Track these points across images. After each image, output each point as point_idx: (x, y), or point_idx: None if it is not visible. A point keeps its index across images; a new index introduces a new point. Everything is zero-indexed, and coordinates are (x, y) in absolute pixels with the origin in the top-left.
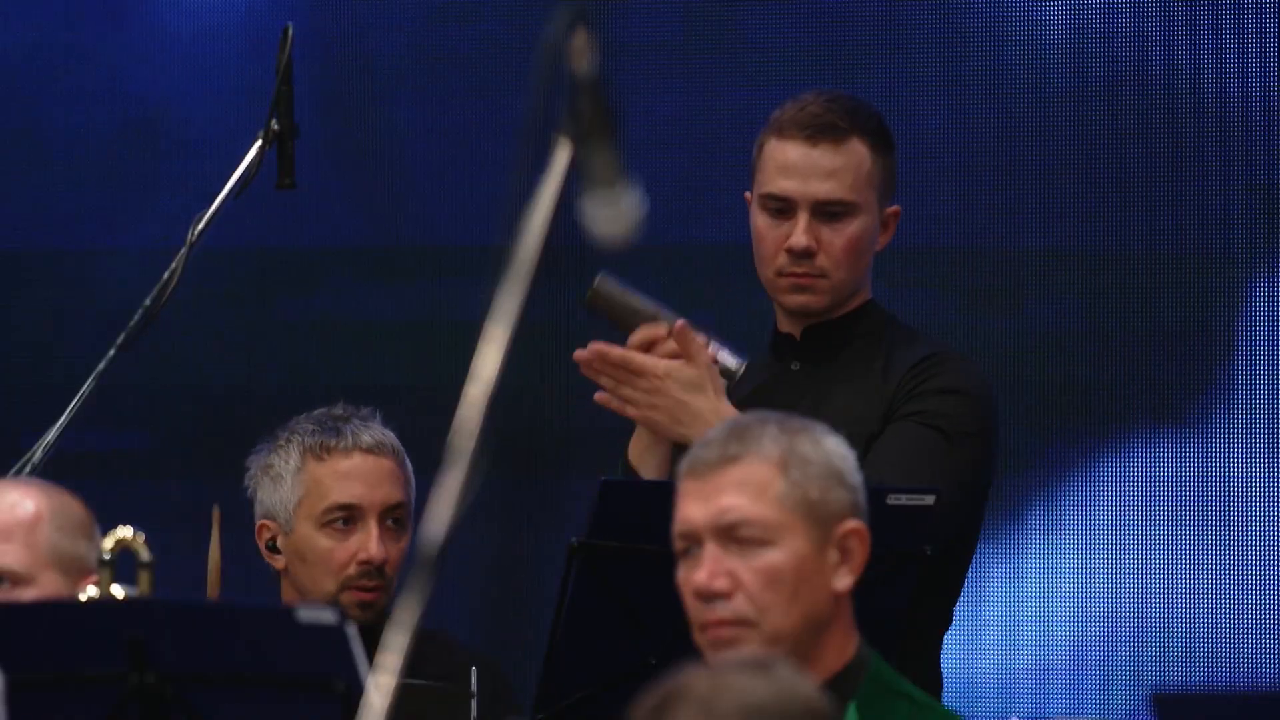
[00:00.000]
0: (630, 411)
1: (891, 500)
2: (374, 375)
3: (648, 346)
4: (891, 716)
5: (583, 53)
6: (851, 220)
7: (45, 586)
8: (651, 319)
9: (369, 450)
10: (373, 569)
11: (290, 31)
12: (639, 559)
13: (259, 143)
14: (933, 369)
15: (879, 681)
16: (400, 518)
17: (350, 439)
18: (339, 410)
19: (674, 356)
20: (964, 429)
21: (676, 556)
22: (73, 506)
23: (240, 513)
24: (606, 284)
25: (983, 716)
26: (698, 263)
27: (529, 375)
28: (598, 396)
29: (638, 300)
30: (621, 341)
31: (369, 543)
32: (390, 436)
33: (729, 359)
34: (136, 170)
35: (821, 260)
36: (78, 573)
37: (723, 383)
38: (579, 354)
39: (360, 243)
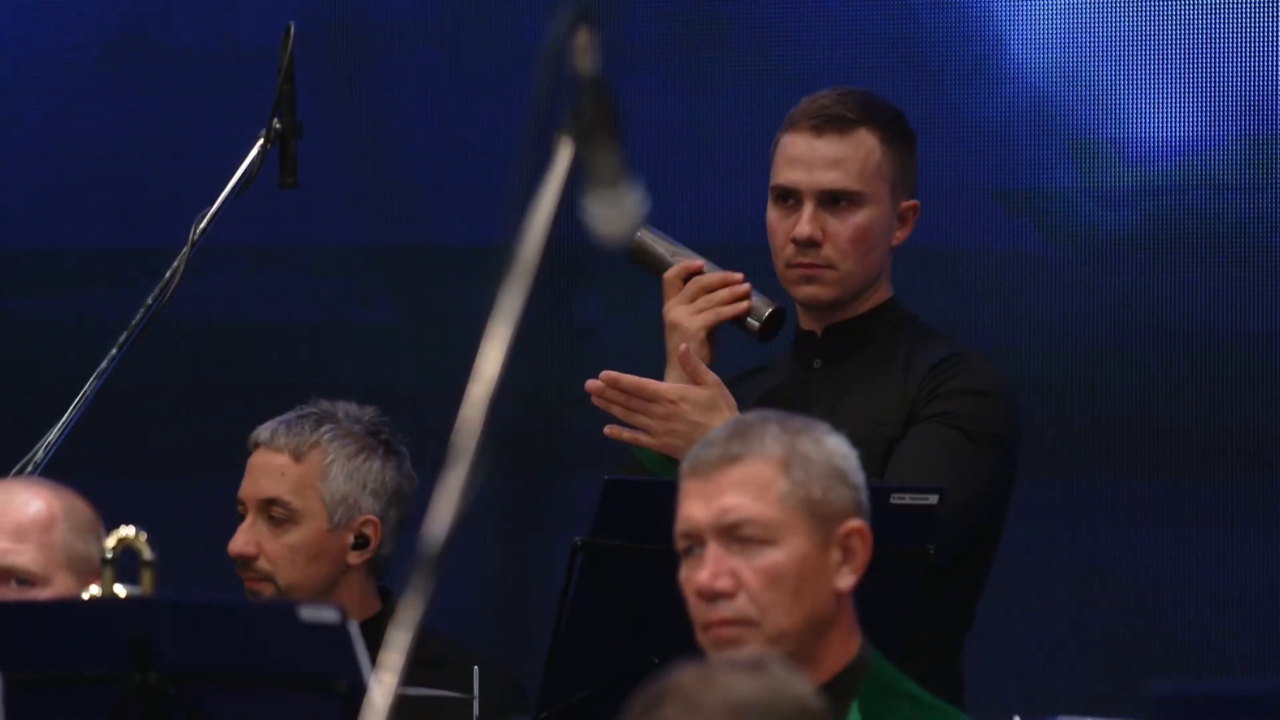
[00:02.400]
0: (644, 440)
1: (895, 500)
2: (374, 375)
3: (687, 277)
4: (893, 716)
5: (585, 52)
6: (857, 210)
7: (59, 588)
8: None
9: (263, 445)
10: (240, 561)
11: (292, 30)
12: (641, 558)
13: (261, 142)
14: (954, 369)
15: (881, 681)
16: (279, 515)
17: (260, 435)
18: (306, 404)
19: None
20: (986, 429)
21: (679, 556)
22: (82, 507)
23: (222, 510)
24: (647, 236)
25: (983, 716)
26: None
27: (531, 375)
28: (608, 430)
29: (678, 247)
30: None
31: (237, 536)
32: (309, 431)
33: (758, 299)
34: (138, 169)
35: (828, 250)
36: (87, 573)
37: (734, 400)
38: (591, 384)
39: (361, 242)
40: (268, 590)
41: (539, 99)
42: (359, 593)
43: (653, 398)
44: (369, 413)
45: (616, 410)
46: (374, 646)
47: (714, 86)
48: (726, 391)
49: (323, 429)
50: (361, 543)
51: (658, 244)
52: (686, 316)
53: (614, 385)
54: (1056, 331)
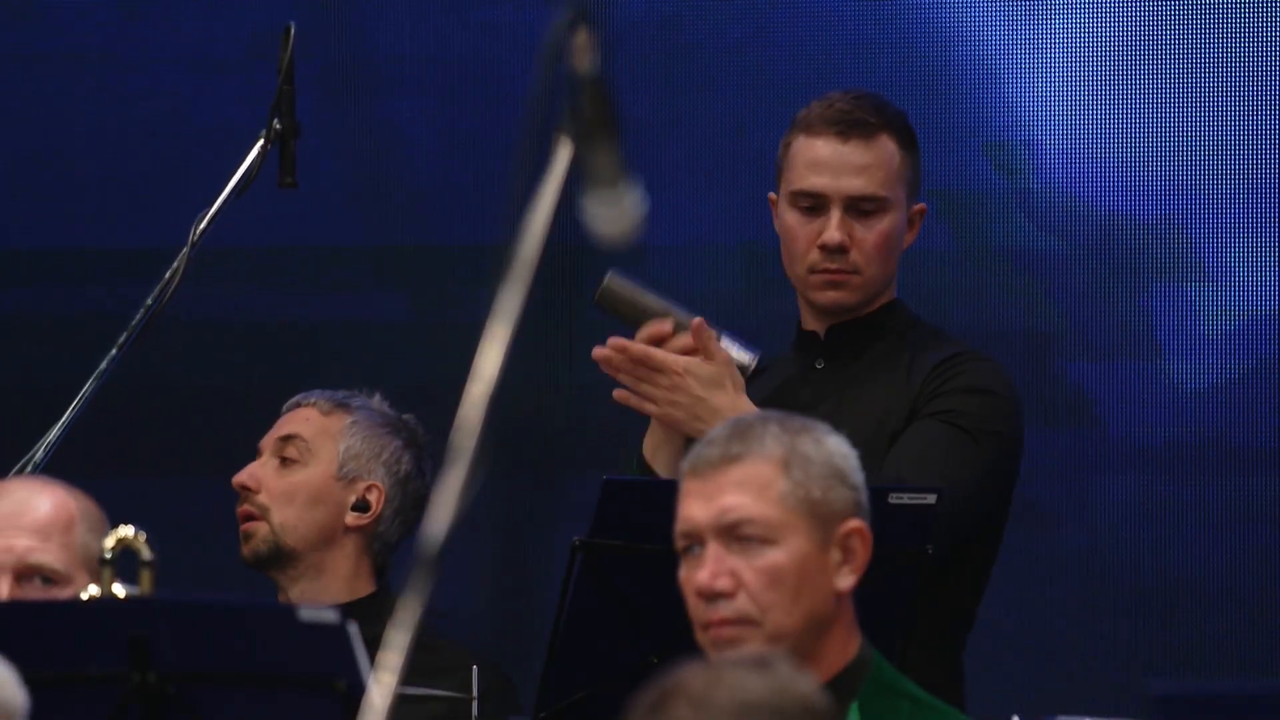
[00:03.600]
0: (649, 408)
1: (893, 499)
2: (374, 375)
3: (654, 343)
4: (893, 716)
5: (584, 51)
6: (883, 216)
7: (78, 587)
8: (662, 317)
9: (296, 404)
10: (241, 493)
11: (292, 31)
12: (640, 558)
13: (261, 142)
14: (958, 368)
15: (880, 681)
16: (291, 455)
17: (296, 397)
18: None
19: (690, 352)
20: (988, 428)
21: (678, 555)
22: (94, 507)
23: (221, 510)
24: (616, 282)
25: (983, 716)
26: (697, 263)
27: (531, 374)
28: (616, 394)
29: (648, 298)
30: (632, 338)
31: (244, 470)
32: (342, 398)
33: (740, 354)
34: (137, 169)
35: (854, 256)
36: (96, 574)
37: (741, 379)
38: (598, 351)
39: (361, 242)
40: (262, 529)
41: (539, 99)
42: (351, 563)
43: (659, 367)
44: (407, 414)
45: (623, 378)
46: (361, 628)
47: (713, 87)
48: (735, 370)
49: (355, 400)
50: (362, 506)
51: (626, 293)
52: None
53: (621, 351)
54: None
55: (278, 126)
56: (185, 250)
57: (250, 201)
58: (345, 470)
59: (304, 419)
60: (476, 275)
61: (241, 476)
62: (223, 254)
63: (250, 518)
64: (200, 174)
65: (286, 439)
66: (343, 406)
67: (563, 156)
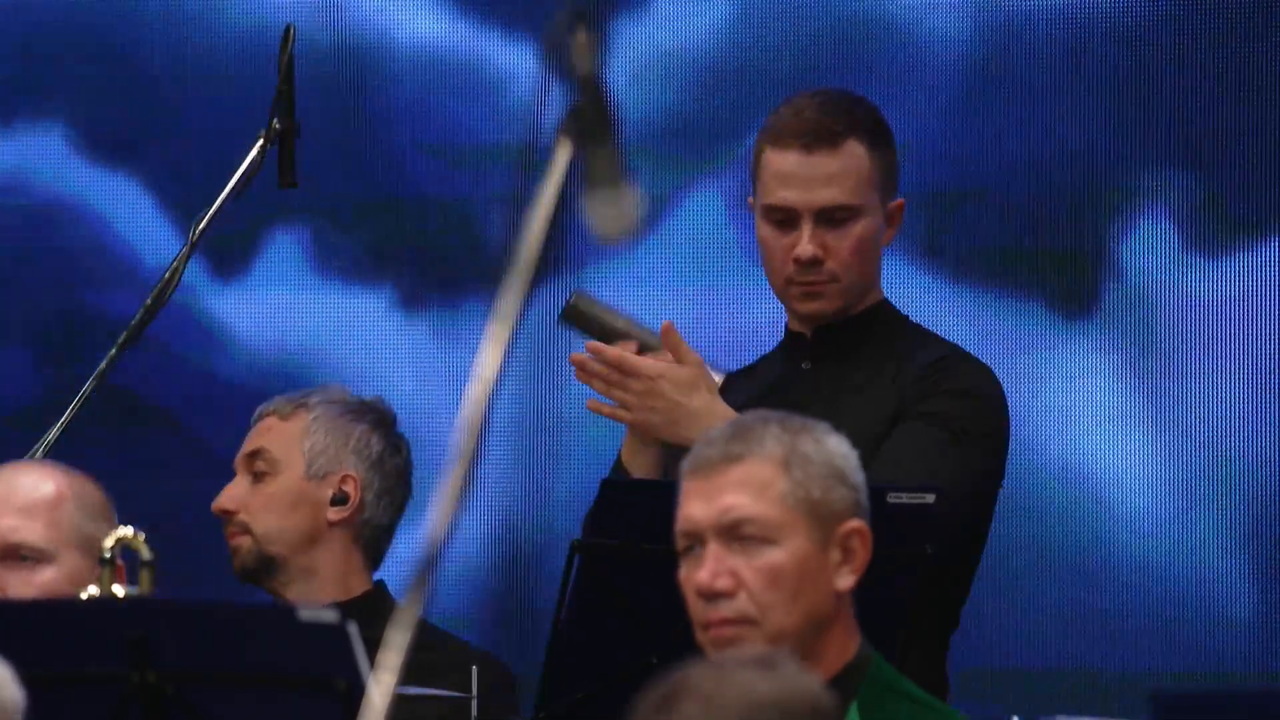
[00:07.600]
0: (623, 415)
1: (892, 499)
2: (374, 375)
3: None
4: (893, 716)
5: (584, 52)
6: (856, 223)
7: (66, 564)
8: (626, 336)
9: (259, 415)
10: (222, 518)
11: (292, 31)
12: (639, 558)
13: (260, 142)
14: (946, 370)
15: (880, 681)
16: (260, 468)
17: (258, 408)
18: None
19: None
20: (975, 430)
21: (679, 555)
22: (92, 489)
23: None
24: (583, 300)
25: (983, 716)
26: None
27: (530, 374)
28: (590, 404)
29: (614, 317)
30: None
31: (220, 494)
32: (299, 397)
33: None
34: (137, 168)
35: (830, 266)
36: (96, 555)
37: (715, 381)
38: (575, 356)
39: (360, 242)
40: (246, 542)
41: (539, 99)
42: (341, 560)
43: (632, 372)
44: (369, 397)
45: (597, 385)
46: (360, 627)
47: (715, 87)
48: (708, 371)
49: (313, 396)
50: (340, 499)
51: (593, 311)
52: None
53: (597, 354)
54: None
55: (277, 126)
56: (185, 250)
57: (248, 201)
58: (314, 468)
59: (265, 430)
60: (476, 275)
61: (220, 501)
62: (221, 254)
63: (233, 534)
64: (201, 173)
65: (253, 455)
66: (301, 406)
67: (563, 156)
